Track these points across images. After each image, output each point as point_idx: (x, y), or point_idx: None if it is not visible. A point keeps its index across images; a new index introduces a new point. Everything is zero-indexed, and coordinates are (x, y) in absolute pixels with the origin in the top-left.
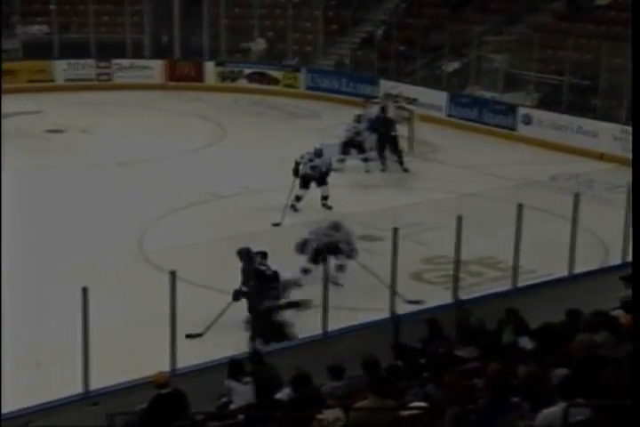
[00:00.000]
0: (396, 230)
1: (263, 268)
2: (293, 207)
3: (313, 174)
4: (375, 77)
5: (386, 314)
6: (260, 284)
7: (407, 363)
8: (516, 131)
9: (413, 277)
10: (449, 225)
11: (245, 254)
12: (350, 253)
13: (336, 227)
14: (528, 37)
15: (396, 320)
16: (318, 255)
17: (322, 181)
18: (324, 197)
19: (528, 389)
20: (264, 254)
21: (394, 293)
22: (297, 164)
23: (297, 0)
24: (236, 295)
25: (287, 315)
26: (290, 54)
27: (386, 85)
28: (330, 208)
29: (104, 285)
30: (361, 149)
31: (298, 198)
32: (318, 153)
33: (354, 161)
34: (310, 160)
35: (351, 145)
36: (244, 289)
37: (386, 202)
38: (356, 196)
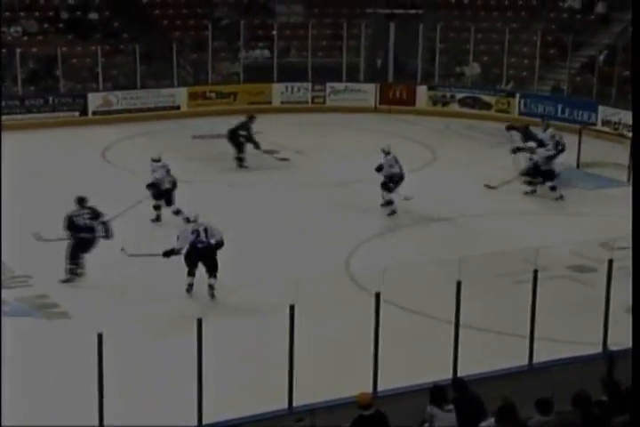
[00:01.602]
0: (611, 262)
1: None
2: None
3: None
4: (594, 103)
5: (598, 349)
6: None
7: (620, 401)
8: None
9: (629, 312)
10: None
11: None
12: None
13: None
14: None
15: (608, 356)
16: None
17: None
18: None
19: None
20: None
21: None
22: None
23: (515, 24)
24: None
25: None
26: (504, 79)
27: (605, 112)
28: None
29: (310, 302)
30: (548, 176)
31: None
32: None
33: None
34: (390, 166)
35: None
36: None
37: (597, 231)
38: (559, 224)
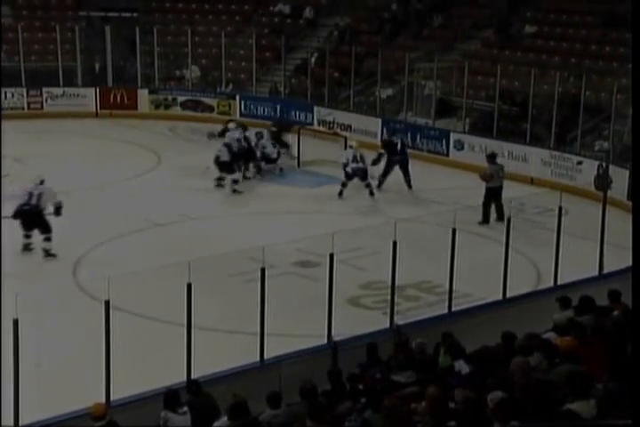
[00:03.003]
0: (331, 256)
1: None
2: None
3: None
4: (309, 104)
5: (323, 340)
6: None
7: (344, 389)
8: (449, 156)
9: (351, 303)
10: (386, 250)
11: None
12: None
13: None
14: (459, 64)
15: (333, 346)
16: None
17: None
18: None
19: (465, 412)
20: None
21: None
22: None
23: (230, 28)
24: None
25: None
26: (224, 82)
27: (320, 112)
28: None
29: (38, 314)
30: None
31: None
32: None
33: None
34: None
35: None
36: None
37: (323, 227)
38: (283, 222)
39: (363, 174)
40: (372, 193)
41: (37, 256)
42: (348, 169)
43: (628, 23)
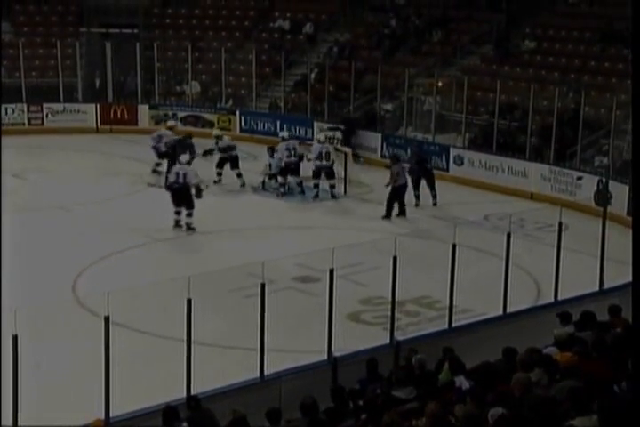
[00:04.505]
0: (331, 271)
1: None
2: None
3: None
4: (309, 119)
5: (324, 356)
6: None
7: (345, 405)
8: (449, 171)
9: (351, 318)
10: (386, 265)
11: None
12: None
13: None
14: (459, 80)
15: (333, 362)
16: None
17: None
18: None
19: None
20: None
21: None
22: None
23: (230, 44)
24: None
25: None
26: (224, 97)
27: (320, 127)
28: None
29: (37, 330)
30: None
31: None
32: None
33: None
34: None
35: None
36: None
37: (323, 242)
38: (283, 236)
39: (330, 172)
40: (333, 196)
41: (37, 274)
42: (313, 166)
43: (627, 39)
